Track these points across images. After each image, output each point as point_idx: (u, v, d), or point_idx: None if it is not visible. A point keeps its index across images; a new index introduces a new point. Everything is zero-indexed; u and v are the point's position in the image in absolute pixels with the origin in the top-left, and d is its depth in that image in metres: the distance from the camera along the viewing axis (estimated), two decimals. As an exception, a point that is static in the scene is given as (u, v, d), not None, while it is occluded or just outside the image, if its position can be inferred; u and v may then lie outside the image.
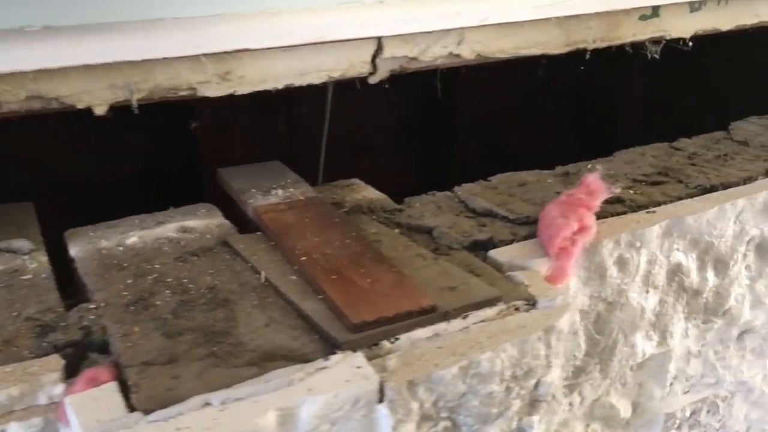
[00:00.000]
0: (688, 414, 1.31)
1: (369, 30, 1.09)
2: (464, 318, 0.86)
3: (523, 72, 1.51)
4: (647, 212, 1.13)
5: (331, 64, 1.10)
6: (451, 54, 1.20)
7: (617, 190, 1.12)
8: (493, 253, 1.01)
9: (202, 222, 1.07)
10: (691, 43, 1.45)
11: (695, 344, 1.25)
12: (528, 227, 1.09)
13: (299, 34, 1.03)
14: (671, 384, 1.26)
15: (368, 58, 1.14)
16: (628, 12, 1.32)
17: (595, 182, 1.09)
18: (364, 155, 1.88)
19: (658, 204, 1.17)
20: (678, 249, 1.14)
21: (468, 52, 1.21)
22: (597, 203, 1.07)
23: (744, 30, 1.51)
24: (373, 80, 1.16)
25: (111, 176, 1.65)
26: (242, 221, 1.15)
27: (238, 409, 0.71)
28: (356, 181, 1.26)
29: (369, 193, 1.21)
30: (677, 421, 1.30)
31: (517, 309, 0.90)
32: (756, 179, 1.25)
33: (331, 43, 1.07)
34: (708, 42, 1.52)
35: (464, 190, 1.22)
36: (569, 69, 1.44)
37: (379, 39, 1.12)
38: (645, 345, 1.17)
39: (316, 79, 1.10)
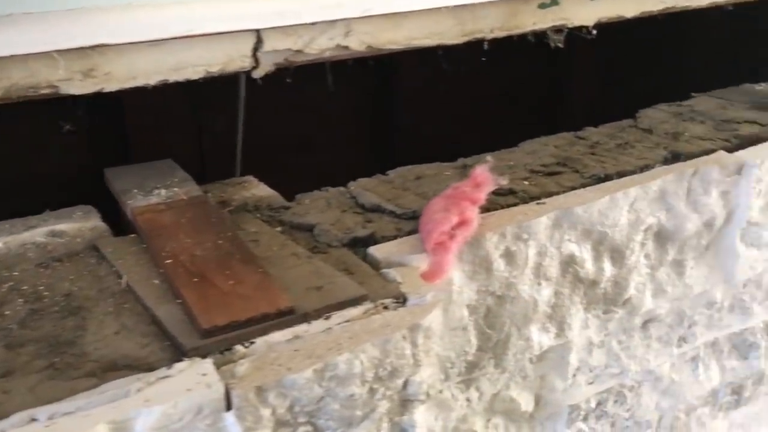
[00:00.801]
0: (593, 405, 1.30)
1: (244, 23, 1.05)
2: (327, 319, 0.83)
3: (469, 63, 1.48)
4: (537, 203, 1.11)
5: (207, 59, 1.07)
6: (339, 46, 1.17)
7: (504, 182, 1.10)
8: (372, 250, 0.99)
9: (75, 225, 1.03)
10: (595, 32, 1.43)
11: (597, 335, 1.24)
12: (414, 222, 1.07)
13: (166, 27, 0.99)
14: (574, 375, 1.25)
15: (248, 52, 1.10)
16: (526, 1, 1.30)
17: (482, 174, 1.07)
18: (310, 150, 1.83)
19: (551, 195, 1.15)
20: (570, 240, 1.12)
21: (357, 43, 1.18)
22: (482, 196, 1.05)
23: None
24: (257, 74, 1.13)
25: (42, 176, 1.59)
26: (124, 222, 1.11)
27: (66, 424, 0.68)
28: (249, 178, 1.22)
29: (259, 190, 1.17)
30: (582, 412, 1.29)
31: (385, 307, 0.88)
32: (653, 167, 1.24)
33: (204, 37, 1.04)
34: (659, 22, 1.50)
35: (358, 185, 1.20)
36: (512, 59, 1.42)
37: (257, 32, 1.09)
38: (542, 337, 1.16)
39: (192, 74, 1.07)
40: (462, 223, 1.00)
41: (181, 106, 1.57)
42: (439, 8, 1.20)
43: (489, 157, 1.17)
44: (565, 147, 1.34)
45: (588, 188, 1.16)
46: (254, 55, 1.11)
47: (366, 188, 1.18)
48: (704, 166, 1.23)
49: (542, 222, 1.07)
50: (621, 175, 1.21)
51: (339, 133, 1.84)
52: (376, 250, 0.98)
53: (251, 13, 1.05)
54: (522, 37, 1.37)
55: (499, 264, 1.05)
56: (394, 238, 1.03)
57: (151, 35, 0.98)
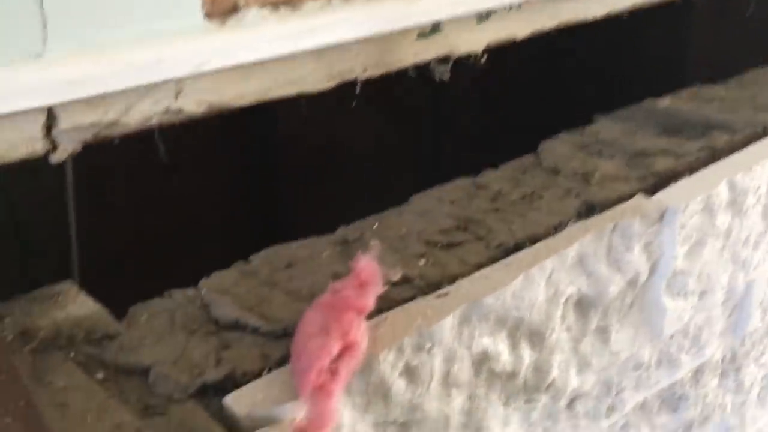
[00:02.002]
0: (521, 505, 1.11)
1: (26, 100, 0.77)
2: None
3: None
4: (437, 296, 0.89)
5: (-23, 151, 0.78)
6: (169, 110, 0.90)
7: (396, 277, 0.88)
8: (230, 402, 0.73)
9: None
10: (485, 57, 1.23)
11: (519, 429, 1.05)
12: (285, 342, 0.83)
13: None
14: (497, 480, 1.05)
15: (39, 134, 0.82)
16: (402, 33, 1.08)
17: (368, 269, 0.84)
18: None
19: (454, 279, 0.94)
20: (481, 335, 0.91)
21: (194, 104, 0.92)
22: (370, 300, 0.82)
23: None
24: (56, 158, 0.85)
25: None
26: None
27: None
28: (66, 286, 0.94)
29: (78, 307, 0.89)
30: None
31: (249, 504, 0.63)
32: (566, 224, 1.05)
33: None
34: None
35: (213, 284, 0.94)
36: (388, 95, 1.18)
37: (49, 109, 0.80)
38: (457, 452, 0.95)
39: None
40: (346, 350, 0.76)
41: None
42: (295, 53, 0.95)
43: (374, 241, 0.94)
44: (464, 201, 1.13)
45: (497, 266, 0.95)
46: (48, 136, 0.83)
47: (222, 289, 0.92)
48: (624, 219, 1.05)
49: (447, 323, 0.86)
50: (532, 240, 1.01)
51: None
52: (234, 402, 0.73)
53: (36, 87, 0.77)
54: (401, 72, 1.15)
55: (399, 386, 0.83)
56: (260, 373, 0.78)
57: None
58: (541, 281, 0.96)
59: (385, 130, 1.67)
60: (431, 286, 0.92)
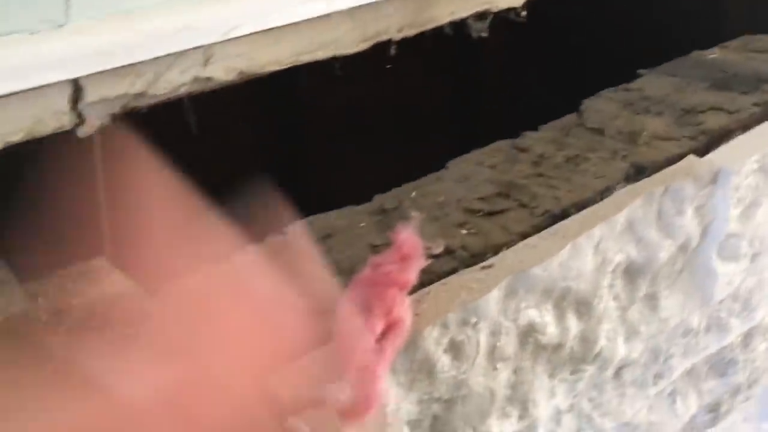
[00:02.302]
0: (566, 476, 1.09)
1: (52, 74, 0.74)
2: None
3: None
4: (481, 268, 0.86)
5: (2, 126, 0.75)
6: (198, 78, 0.86)
7: (438, 249, 0.84)
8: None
9: None
10: (524, 13, 1.16)
11: (565, 400, 1.02)
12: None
13: None
14: (542, 451, 1.03)
15: (65, 107, 0.79)
16: (438, -13, 1.02)
17: (409, 242, 0.80)
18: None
19: (497, 249, 0.90)
20: (528, 307, 0.88)
21: (223, 71, 0.88)
22: (412, 275, 0.78)
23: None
24: (83, 132, 0.82)
25: None
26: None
27: None
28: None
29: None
30: (555, 489, 1.08)
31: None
32: (614, 188, 1.00)
33: (-9, 100, 0.72)
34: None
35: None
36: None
37: (75, 81, 0.77)
38: (503, 426, 0.92)
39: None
40: (390, 327, 0.73)
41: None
42: (329, 14, 0.90)
43: (413, 211, 0.90)
44: (504, 165, 1.08)
45: (543, 234, 0.91)
46: (75, 109, 0.79)
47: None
48: (674, 182, 1.00)
49: (493, 296, 0.82)
50: (579, 206, 0.97)
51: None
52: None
53: (61, 58, 0.74)
54: (437, 30, 1.09)
55: (444, 362, 0.80)
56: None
57: None
58: (588, 250, 0.92)
59: (419, 91, 1.62)
60: (474, 257, 0.89)
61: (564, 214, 0.95)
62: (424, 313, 0.78)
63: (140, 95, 0.83)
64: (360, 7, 0.94)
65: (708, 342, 1.21)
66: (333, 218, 0.99)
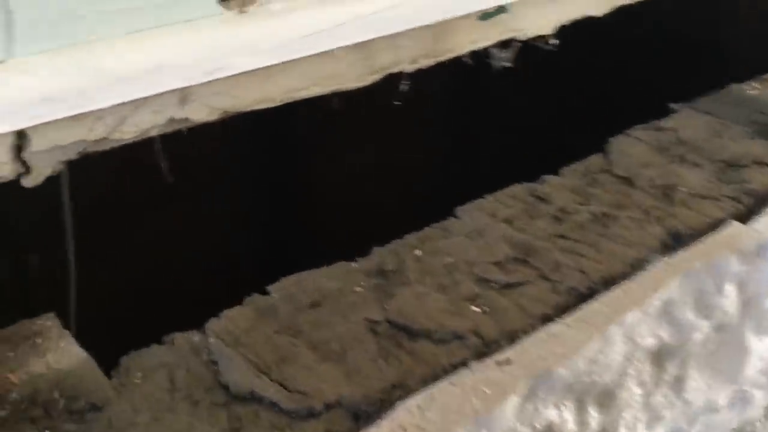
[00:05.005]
0: None
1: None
2: None
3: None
4: (497, 363, 0.73)
5: None
6: (173, 120, 0.72)
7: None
8: None
9: None
10: (556, 41, 1.02)
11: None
12: (312, 424, 0.67)
13: None
14: None
15: (6, 158, 0.65)
16: (462, 16, 0.88)
17: None
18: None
19: (514, 335, 0.77)
20: (546, 407, 0.76)
21: (204, 111, 0.74)
22: None
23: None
24: (28, 182, 0.68)
25: None
26: None
27: None
28: (48, 322, 0.78)
29: (60, 357, 0.74)
30: None
31: None
32: (648, 260, 0.88)
33: None
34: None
35: (222, 328, 0.77)
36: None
37: (19, 133, 0.63)
38: None
39: None
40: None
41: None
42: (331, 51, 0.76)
43: (418, 253, 0.76)
44: (522, 219, 0.95)
45: (568, 320, 0.78)
46: (18, 159, 0.65)
47: (234, 337, 0.76)
48: (717, 257, 0.87)
49: (510, 404, 0.70)
50: (608, 282, 0.84)
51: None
52: None
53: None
54: (456, 60, 0.95)
55: (448, 481, 0.68)
56: (279, 471, 0.63)
57: None
58: (618, 338, 0.79)
59: (423, 121, 1.46)
60: (488, 346, 0.76)
61: (591, 293, 0.83)
62: (428, 428, 0.65)
63: (101, 141, 0.69)
64: (369, 40, 0.79)
65: (731, 417, 1.10)
66: (324, 278, 0.86)
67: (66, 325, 0.79)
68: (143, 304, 1.08)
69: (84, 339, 0.80)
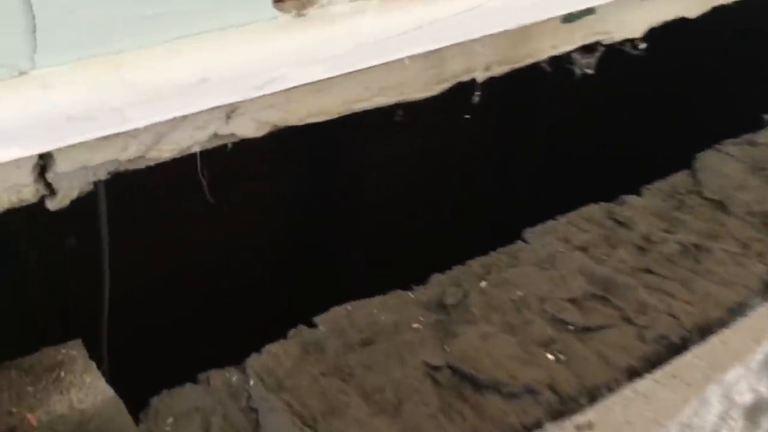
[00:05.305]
0: None
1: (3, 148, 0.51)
2: None
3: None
4: (577, 428, 0.64)
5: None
6: (217, 136, 0.64)
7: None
8: None
9: None
10: (644, 45, 0.91)
11: None
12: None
13: None
14: None
15: (28, 180, 0.57)
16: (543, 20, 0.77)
17: None
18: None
19: (595, 392, 0.68)
20: (629, 477, 0.66)
21: (252, 126, 0.65)
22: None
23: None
24: (53, 205, 0.60)
25: None
26: None
27: None
28: (72, 352, 0.71)
29: (84, 394, 0.66)
30: None
31: None
32: (749, 304, 0.77)
33: None
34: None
35: (263, 366, 0.69)
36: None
37: (41, 155, 0.55)
38: None
39: None
40: None
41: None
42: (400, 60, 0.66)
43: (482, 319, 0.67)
44: (600, 248, 0.85)
45: (659, 377, 0.68)
46: (42, 179, 0.58)
47: (276, 379, 0.68)
48: (830, 303, 0.76)
49: (591, 480, 0.61)
50: (703, 330, 0.74)
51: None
52: None
53: (19, 127, 0.51)
54: (533, 67, 0.84)
55: None
56: None
57: None
58: (715, 400, 0.69)
59: (490, 130, 1.34)
60: (564, 402, 0.66)
61: (683, 342, 0.73)
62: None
63: (135, 160, 0.61)
64: (441, 48, 0.69)
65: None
66: (377, 310, 0.77)
67: (97, 354, 0.72)
68: (178, 331, 1.00)
69: (114, 366, 0.73)
